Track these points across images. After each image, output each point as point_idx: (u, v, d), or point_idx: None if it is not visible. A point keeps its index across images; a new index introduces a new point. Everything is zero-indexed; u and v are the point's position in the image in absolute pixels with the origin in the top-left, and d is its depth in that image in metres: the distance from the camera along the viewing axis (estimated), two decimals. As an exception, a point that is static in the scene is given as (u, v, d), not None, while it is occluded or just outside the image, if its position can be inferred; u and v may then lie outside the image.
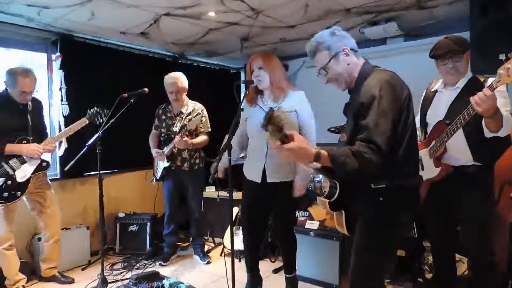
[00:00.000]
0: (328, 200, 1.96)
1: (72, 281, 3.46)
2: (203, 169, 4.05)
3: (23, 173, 3.16)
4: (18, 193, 3.14)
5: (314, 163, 1.77)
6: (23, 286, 3.25)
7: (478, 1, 3.21)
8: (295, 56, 5.47)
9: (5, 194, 3.08)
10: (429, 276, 2.97)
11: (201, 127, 3.88)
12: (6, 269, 3.21)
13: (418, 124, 2.56)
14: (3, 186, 3.08)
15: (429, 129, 2.51)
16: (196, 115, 3.84)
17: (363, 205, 1.89)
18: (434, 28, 4.08)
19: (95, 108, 3.39)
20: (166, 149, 3.75)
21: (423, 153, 2.47)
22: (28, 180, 3.18)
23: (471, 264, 2.67)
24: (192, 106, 3.92)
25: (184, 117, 3.84)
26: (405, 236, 3.05)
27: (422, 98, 2.66)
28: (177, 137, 3.58)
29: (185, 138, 3.61)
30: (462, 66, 2.37)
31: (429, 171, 2.46)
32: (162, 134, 3.91)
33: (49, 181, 3.48)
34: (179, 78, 3.81)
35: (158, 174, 3.94)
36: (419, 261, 3.17)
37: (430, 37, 4.22)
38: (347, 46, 1.91)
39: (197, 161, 3.94)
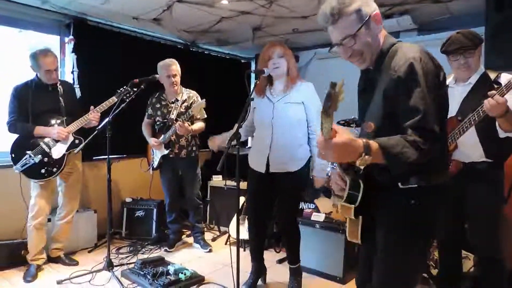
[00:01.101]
0: (353, 206, 1.56)
1: (76, 264, 3.51)
2: (198, 157, 4.07)
3: (58, 150, 3.29)
4: (55, 169, 3.27)
5: (365, 157, 1.33)
6: (38, 265, 3.32)
7: (494, -4, 3.18)
8: (306, 48, 5.44)
9: (43, 171, 3.22)
10: (434, 271, 2.96)
11: (197, 114, 3.87)
12: (30, 245, 3.33)
13: None
14: (41, 163, 3.21)
15: None
16: (191, 102, 3.85)
17: (386, 211, 1.56)
18: (448, 23, 4.03)
19: (124, 87, 3.43)
20: (164, 137, 3.75)
21: None
22: (63, 157, 3.31)
23: (477, 261, 2.67)
24: (187, 94, 3.91)
25: (180, 104, 3.84)
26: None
27: None
28: (179, 123, 3.59)
29: (186, 124, 3.62)
30: (474, 61, 2.34)
31: None
32: (157, 123, 3.92)
33: (80, 160, 3.60)
34: (175, 62, 3.80)
35: (155, 163, 3.94)
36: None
37: (444, 32, 4.16)
38: (377, 10, 1.56)
39: (194, 148, 3.95)
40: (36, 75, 3.31)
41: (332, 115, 1.25)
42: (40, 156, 3.21)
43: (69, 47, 3.98)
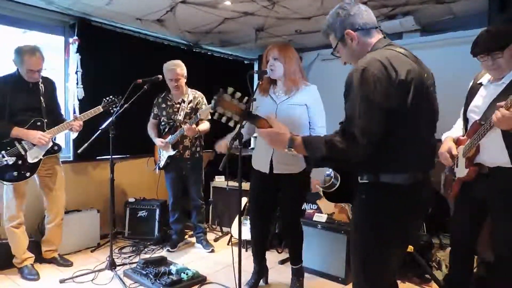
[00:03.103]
0: (327, 191, 1.85)
1: (70, 265, 3.48)
2: (203, 157, 4.09)
3: (34, 154, 3.18)
4: (28, 174, 3.15)
5: (290, 149, 1.69)
6: (31, 264, 3.29)
7: (497, -4, 3.18)
8: (309, 49, 5.45)
9: (15, 173, 3.10)
10: (437, 272, 2.96)
11: (205, 118, 3.86)
12: (14, 247, 3.26)
13: (461, 117, 2.48)
14: (14, 165, 3.10)
15: (469, 126, 2.39)
16: (197, 103, 3.88)
17: (355, 201, 1.76)
18: (451, 24, 4.03)
19: (111, 97, 3.41)
20: (171, 138, 3.77)
21: (460, 151, 2.41)
22: (38, 162, 3.21)
23: (480, 262, 2.63)
24: (192, 94, 3.93)
25: (186, 106, 3.86)
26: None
27: (468, 88, 2.50)
28: (187, 125, 3.61)
29: (194, 126, 3.64)
30: (504, 61, 2.17)
31: (460, 170, 2.40)
32: (162, 123, 3.93)
33: (60, 164, 3.50)
34: (179, 65, 3.78)
35: (162, 163, 3.95)
36: (427, 257, 3.16)
37: (447, 33, 4.17)
38: (354, 26, 1.67)
39: (198, 149, 3.97)
40: (17, 69, 3.16)
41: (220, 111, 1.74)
42: (14, 158, 3.08)
43: (73, 47, 4.00)
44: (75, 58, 4.01)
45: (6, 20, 3.69)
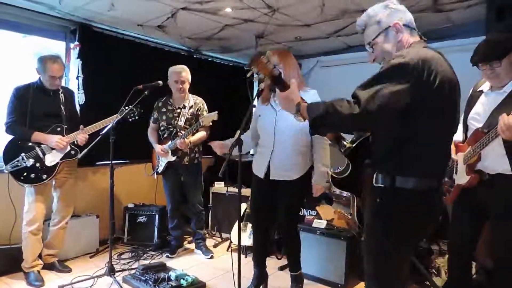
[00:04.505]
0: (336, 177, 1.94)
1: (69, 271, 3.48)
2: (201, 163, 4.10)
3: (52, 158, 3.26)
4: (44, 176, 3.22)
5: (297, 113, 1.69)
6: (38, 271, 3.29)
7: (494, 6, 3.20)
8: (309, 55, 5.47)
9: (32, 175, 3.18)
10: (436, 279, 2.96)
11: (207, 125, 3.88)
12: (26, 253, 3.26)
13: (461, 123, 2.47)
14: (32, 168, 3.17)
15: (469, 133, 2.41)
16: (198, 109, 3.90)
17: (367, 206, 1.78)
18: (450, 32, 4.06)
19: (130, 106, 3.42)
20: (171, 145, 3.77)
21: (459, 157, 2.41)
22: (55, 165, 3.27)
23: (479, 268, 2.64)
24: (193, 100, 3.95)
25: (187, 111, 3.87)
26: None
27: (468, 95, 2.52)
28: (181, 141, 3.63)
29: (187, 141, 3.67)
30: (503, 70, 2.20)
31: (460, 176, 2.41)
32: (161, 128, 3.94)
33: (76, 168, 3.58)
34: (186, 69, 3.84)
35: (160, 168, 3.96)
36: (426, 264, 3.17)
37: (445, 40, 4.20)
38: (402, 20, 1.70)
39: (196, 155, 3.98)
40: (39, 78, 3.30)
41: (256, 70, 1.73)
42: (32, 160, 3.17)
43: (74, 52, 4.02)
44: (76, 64, 4.03)
45: (7, 25, 3.71)
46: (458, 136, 2.54)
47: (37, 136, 3.21)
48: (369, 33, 1.75)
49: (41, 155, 3.22)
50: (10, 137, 3.22)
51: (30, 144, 3.21)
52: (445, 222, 3.38)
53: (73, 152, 3.36)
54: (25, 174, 3.16)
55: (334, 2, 3.43)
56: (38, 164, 3.20)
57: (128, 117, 3.43)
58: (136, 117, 3.47)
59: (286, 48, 4.96)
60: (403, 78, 1.49)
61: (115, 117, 3.34)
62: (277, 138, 2.87)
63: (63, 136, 3.29)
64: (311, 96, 2.90)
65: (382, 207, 1.67)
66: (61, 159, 3.30)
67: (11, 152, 3.18)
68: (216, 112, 3.60)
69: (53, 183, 3.42)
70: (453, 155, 2.41)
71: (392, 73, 1.52)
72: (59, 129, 3.32)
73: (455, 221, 2.57)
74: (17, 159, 3.14)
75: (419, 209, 1.64)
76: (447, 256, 2.95)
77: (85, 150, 3.34)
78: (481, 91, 2.41)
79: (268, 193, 2.96)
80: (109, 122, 3.33)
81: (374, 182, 1.68)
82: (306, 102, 1.70)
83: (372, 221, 1.74)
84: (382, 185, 1.65)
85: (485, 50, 2.23)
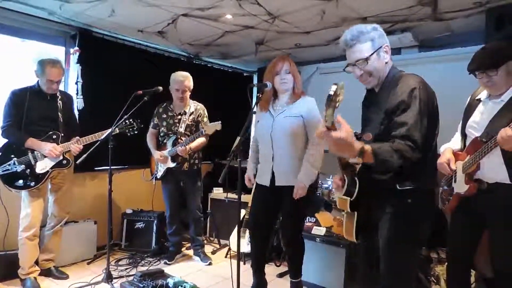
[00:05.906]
0: (349, 199, 1.99)
1: (66, 277, 3.46)
2: (201, 169, 4.10)
3: (43, 165, 3.22)
4: (32, 183, 3.17)
5: (358, 159, 1.72)
6: (34, 277, 3.26)
7: (494, 15, 3.22)
8: (308, 62, 5.48)
9: (20, 181, 3.15)
10: (435, 287, 2.94)
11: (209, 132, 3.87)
12: (23, 259, 3.23)
13: (459, 132, 2.49)
14: (22, 173, 3.14)
15: (467, 142, 2.39)
16: (198, 115, 3.91)
17: (387, 208, 1.91)
18: (449, 40, 4.08)
19: (129, 120, 3.42)
20: (171, 151, 3.76)
21: (458, 165, 2.40)
22: (45, 173, 3.23)
23: (478, 277, 2.62)
24: (194, 106, 3.94)
25: (188, 117, 3.87)
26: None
27: (466, 104, 2.51)
28: (182, 148, 3.64)
29: (187, 149, 3.68)
30: (499, 78, 2.19)
31: (459, 185, 2.39)
32: (161, 134, 3.93)
33: (72, 175, 3.57)
34: (188, 77, 3.83)
35: (159, 174, 3.94)
36: (425, 272, 3.15)
37: (445, 48, 4.22)
38: (388, 43, 1.93)
39: (196, 161, 3.97)
40: (37, 82, 3.27)
41: (333, 107, 1.57)
42: (23, 166, 3.14)
43: (74, 57, 4.02)
44: (75, 69, 4.03)
45: (6, 29, 3.70)
46: (456, 144, 2.54)
47: (31, 142, 3.18)
48: (360, 49, 1.88)
49: (33, 162, 3.19)
50: (5, 140, 3.20)
51: (23, 149, 3.18)
52: (444, 230, 3.38)
53: (64, 161, 3.33)
54: (13, 179, 3.13)
55: (334, 10, 3.45)
56: (28, 170, 3.17)
57: (127, 131, 3.43)
58: (136, 132, 3.47)
59: (285, 55, 4.97)
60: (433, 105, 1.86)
61: (112, 130, 3.32)
62: (275, 144, 2.88)
63: (58, 144, 3.26)
64: (309, 103, 2.91)
65: (411, 207, 1.85)
66: (51, 167, 3.26)
67: (3, 156, 3.15)
68: (220, 121, 3.57)
69: (49, 187, 3.41)
70: (452, 164, 2.40)
71: (425, 106, 1.79)
72: (54, 136, 3.29)
73: (454, 229, 2.56)
74: (8, 163, 3.12)
75: (433, 207, 1.98)
76: (446, 264, 2.94)
77: (84, 156, 3.32)
78: (479, 100, 2.40)
79: (271, 200, 2.95)
80: (105, 135, 3.32)
81: (397, 186, 1.85)
82: (366, 146, 1.69)
83: (398, 223, 1.88)
84: (410, 187, 1.84)
85: (482, 58, 2.22)
